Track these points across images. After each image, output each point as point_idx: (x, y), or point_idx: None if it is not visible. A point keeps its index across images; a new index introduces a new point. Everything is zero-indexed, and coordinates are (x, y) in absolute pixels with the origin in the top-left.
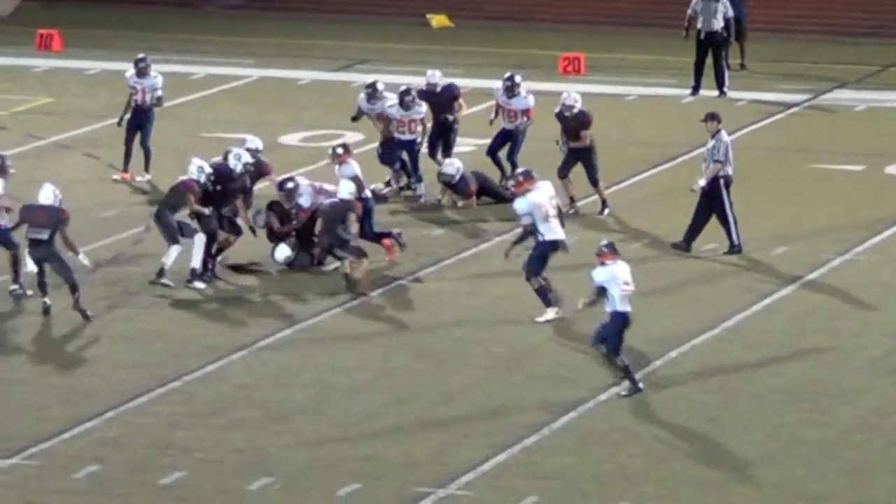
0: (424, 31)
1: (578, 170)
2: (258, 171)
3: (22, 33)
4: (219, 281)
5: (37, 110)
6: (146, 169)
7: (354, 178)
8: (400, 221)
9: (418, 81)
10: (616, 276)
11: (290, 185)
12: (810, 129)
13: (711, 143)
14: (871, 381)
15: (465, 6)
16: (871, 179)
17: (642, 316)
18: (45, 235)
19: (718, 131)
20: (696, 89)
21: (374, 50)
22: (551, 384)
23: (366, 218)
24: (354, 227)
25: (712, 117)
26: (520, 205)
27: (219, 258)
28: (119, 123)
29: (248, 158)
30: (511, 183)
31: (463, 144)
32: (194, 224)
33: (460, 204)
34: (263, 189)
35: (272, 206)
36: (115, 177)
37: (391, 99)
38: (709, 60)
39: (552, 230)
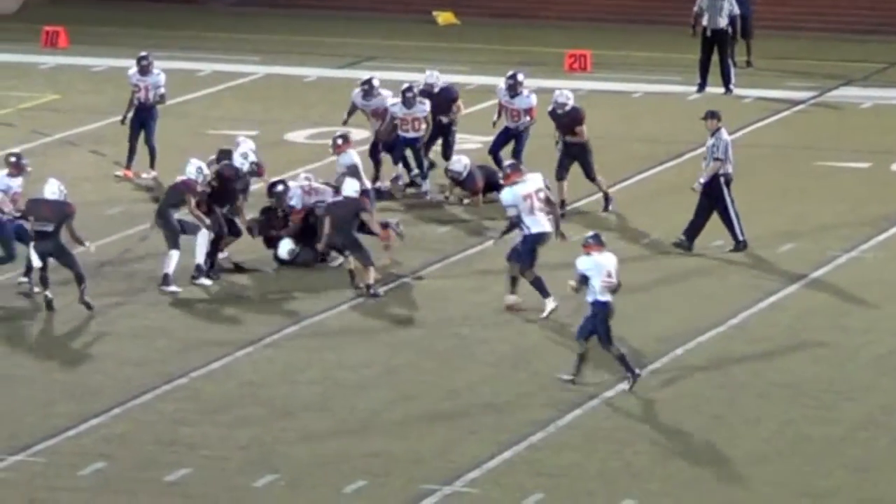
0: (430, 28)
1: (576, 171)
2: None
3: (28, 30)
4: (222, 278)
5: (43, 107)
6: (151, 166)
7: (352, 168)
8: (405, 219)
9: (424, 78)
10: (600, 267)
11: (279, 187)
12: (816, 127)
13: (711, 142)
14: (876, 378)
15: (472, 3)
16: (877, 177)
17: (648, 313)
18: (50, 227)
19: (718, 129)
20: (702, 86)
21: (380, 47)
22: (557, 381)
23: None
24: (375, 225)
25: (712, 115)
26: (506, 196)
27: (220, 256)
28: (122, 122)
29: (254, 158)
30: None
31: (468, 142)
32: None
33: (466, 201)
34: (256, 190)
35: (266, 213)
36: (118, 174)
37: (387, 95)
38: (715, 57)
39: (538, 223)
